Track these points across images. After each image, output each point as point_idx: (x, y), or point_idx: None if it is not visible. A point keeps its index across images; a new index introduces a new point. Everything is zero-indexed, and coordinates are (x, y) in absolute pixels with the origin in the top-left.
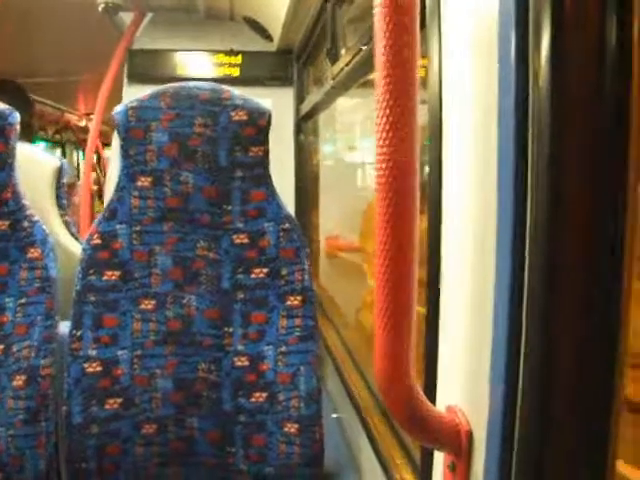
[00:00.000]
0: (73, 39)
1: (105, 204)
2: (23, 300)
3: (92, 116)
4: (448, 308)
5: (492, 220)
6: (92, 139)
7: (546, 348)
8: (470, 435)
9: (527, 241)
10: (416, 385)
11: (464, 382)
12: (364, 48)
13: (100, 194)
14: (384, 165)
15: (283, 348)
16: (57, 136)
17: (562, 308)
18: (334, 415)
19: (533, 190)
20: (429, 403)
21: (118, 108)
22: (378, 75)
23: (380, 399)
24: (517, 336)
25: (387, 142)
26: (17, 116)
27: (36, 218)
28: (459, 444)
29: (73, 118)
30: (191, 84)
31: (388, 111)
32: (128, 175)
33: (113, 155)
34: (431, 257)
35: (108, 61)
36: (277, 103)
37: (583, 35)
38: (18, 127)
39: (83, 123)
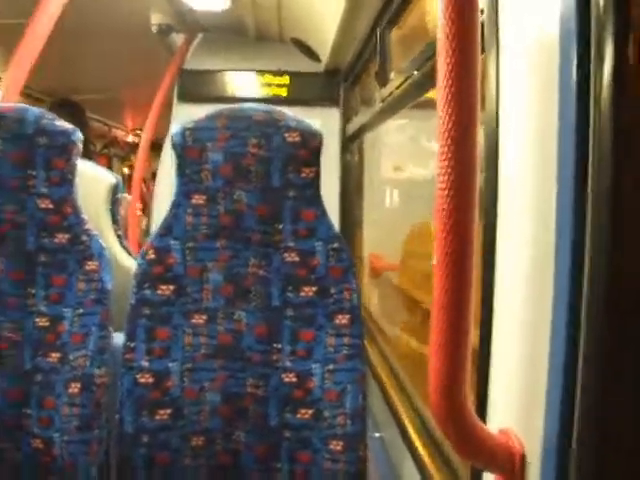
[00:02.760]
0: (125, 58)
1: (153, 219)
2: (80, 311)
3: (139, 132)
4: (501, 329)
5: (550, 240)
6: (142, 155)
7: (605, 372)
8: (523, 458)
9: (586, 263)
10: (470, 406)
11: (518, 405)
12: (415, 73)
13: (143, 208)
14: (445, 185)
15: (330, 366)
16: (105, 150)
17: (622, 331)
18: (377, 434)
19: (594, 214)
20: (483, 425)
21: (175, 128)
22: (440, 98)
23: (425, 419)
24: (575, 360)
25: (449, 164)
26: (79, 134)
27: (94, 232)
28: (512, 467)
29: (120, 133)
30: (246, 106)
31: (449, 134)
32: (183, 193)
33: (161, 171)
34: (485, 277)
35: (157, 79)
36: (324, 123)
37: None
38: (80, 145)
39: (130, 139)
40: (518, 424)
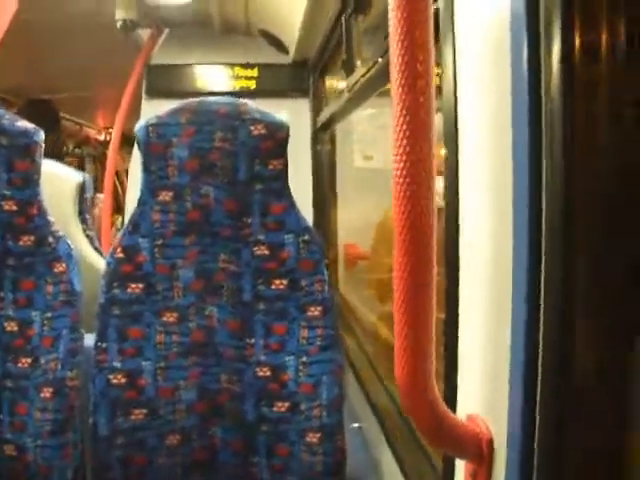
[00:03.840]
0: (92, 55)
1: (126, 217)
2: (49, 314)
3: (111, 130)
4: (466, 318)
5: (508, 226)
6: (112, 153)
7: (565, 358)
8: (491, 443)
9: (543, 248)
10: (437, 394)
11: (484, 391)
12: (380, 60)
13: (118, 207)
14: (401, 173)
15: (304, 358)
16: (77, 150)
17: (580, 317)
18: (355, 424)
19: (548, 193)
20: (450, 412)
21: (139, 125)
22: (394, 86)
23: (401, 408)
24: (535, 345)
25: (404, 151)
26: (42, 134)
27: (61, 233)
28: (480, 452)
29: (92, 132)
30: (210, 99)
31: (405, 123)
32: (150, 190)
33: (132, 169)
34: (449, 266)
35: (126, 76)
36: (294, 114)
37: (592, 40)
38: (43, 145)
39: (102, 137)
40: (485, 410)
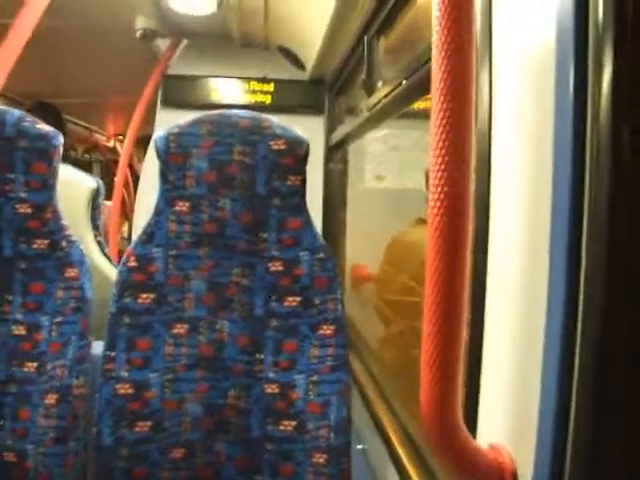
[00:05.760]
0: (108, 62)
1: (135, 225)
2: (59, 319)
3: (121, 137)
4: (492, 342)
5: (543, 252)
6: (124, 160)
7: (599, 389)
8: (515, 475)
9: (581, 284)
10: (461, 421)
11: (509, 420)
12: (404, 82)
13: (125, 215)
14: (438, 189)
15: (315, 377)
16: (86, 155)
17: (616, 347)
18: (359, 446)
19: (589, 228)
20: (473, 440)
21: (158, 134)
22: (434, 108)
23: (408, 431)
24: (569, 375)
25: (443, 173)
26: (61, 138)
27: (74, 238)
28: None
29: (101, 138)
30: (231, 112)
31: (443, 144)
32: (166, 200)
33: (144, 177)
34: (475, 289)
35: (140, 84)
36: (308, 131)
37: None
38: (61, 149)
39: (111, 144)
40: (509, 439)
